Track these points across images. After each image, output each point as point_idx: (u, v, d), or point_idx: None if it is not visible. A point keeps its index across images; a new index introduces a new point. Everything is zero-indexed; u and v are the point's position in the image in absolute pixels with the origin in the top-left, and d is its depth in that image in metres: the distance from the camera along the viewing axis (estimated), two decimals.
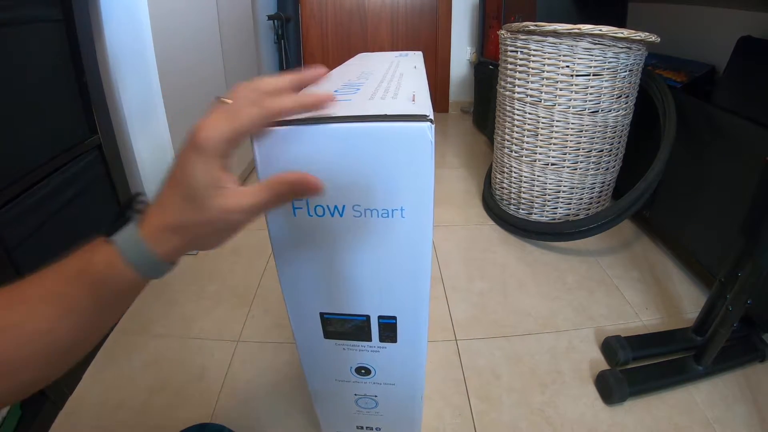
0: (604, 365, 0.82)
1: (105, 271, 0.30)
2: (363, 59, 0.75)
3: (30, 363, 0.29)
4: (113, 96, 0.97)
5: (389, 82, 0.48)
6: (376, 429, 0.64)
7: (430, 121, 0.34)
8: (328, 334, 0.50)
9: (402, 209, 0.38)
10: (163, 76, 1.01)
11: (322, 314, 0.48)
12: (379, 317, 0.47)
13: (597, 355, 0.85)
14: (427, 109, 0.36)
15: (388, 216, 0.39)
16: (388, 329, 0.48)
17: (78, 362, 0.32)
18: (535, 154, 1.20)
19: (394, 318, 0.47)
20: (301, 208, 0.40)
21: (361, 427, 0.64)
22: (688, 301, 0.99)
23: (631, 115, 1.17)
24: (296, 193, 0.34)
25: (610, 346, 0.82)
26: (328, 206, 0.39)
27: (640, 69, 1.11)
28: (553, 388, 0.78)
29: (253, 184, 0.32)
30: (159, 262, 0.31)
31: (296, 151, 0.36)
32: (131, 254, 0.30)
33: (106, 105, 0.95)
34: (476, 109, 2.27)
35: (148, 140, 1.04)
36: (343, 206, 0.39)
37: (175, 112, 1.07)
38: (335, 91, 0.45)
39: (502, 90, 1.28)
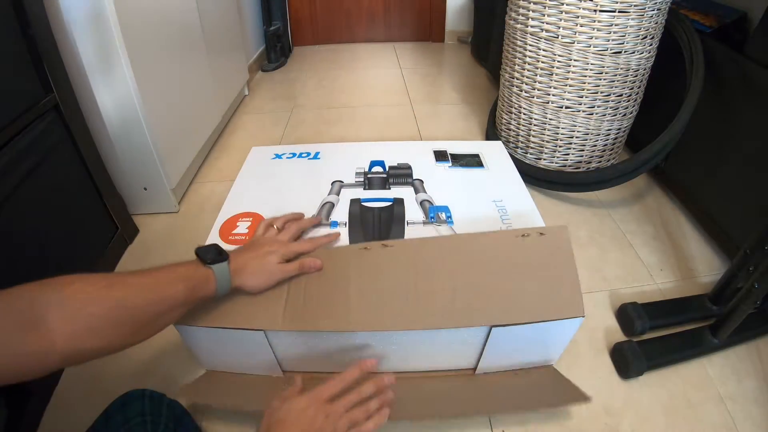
0: (619, 333, 0.79)
1: (203, 283, 0.50)
2: None
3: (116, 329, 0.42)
4: (68, 47, 0.82)
5: None
6: None
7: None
8: None
9: None
10: (123, 19, 0.85)
11: None
12: None
13: (612, 322, 0.82)
14: None
15: None
16: None
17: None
18: (548, 95, 1.09)
19: None
20: None
21: None
22: (703, 262, 0.96)
23: (653, 58, 1.05)
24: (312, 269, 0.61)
25: (626, 314, 0.79)
26: None
27: (667, 9, 0.98)
28: (567, 360, 0.75)
29: (293, 262, 0.59)
30: (230, 288, 0.54)
31: None
32: (221, 279, 0.52)
33: (60, 58, 0.81)
34: (475, 40, 2.08)
35: (113, 93, 0.91)
36: None
37: (140, 59, 0.92)
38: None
39: (512, 22, 1.13)
